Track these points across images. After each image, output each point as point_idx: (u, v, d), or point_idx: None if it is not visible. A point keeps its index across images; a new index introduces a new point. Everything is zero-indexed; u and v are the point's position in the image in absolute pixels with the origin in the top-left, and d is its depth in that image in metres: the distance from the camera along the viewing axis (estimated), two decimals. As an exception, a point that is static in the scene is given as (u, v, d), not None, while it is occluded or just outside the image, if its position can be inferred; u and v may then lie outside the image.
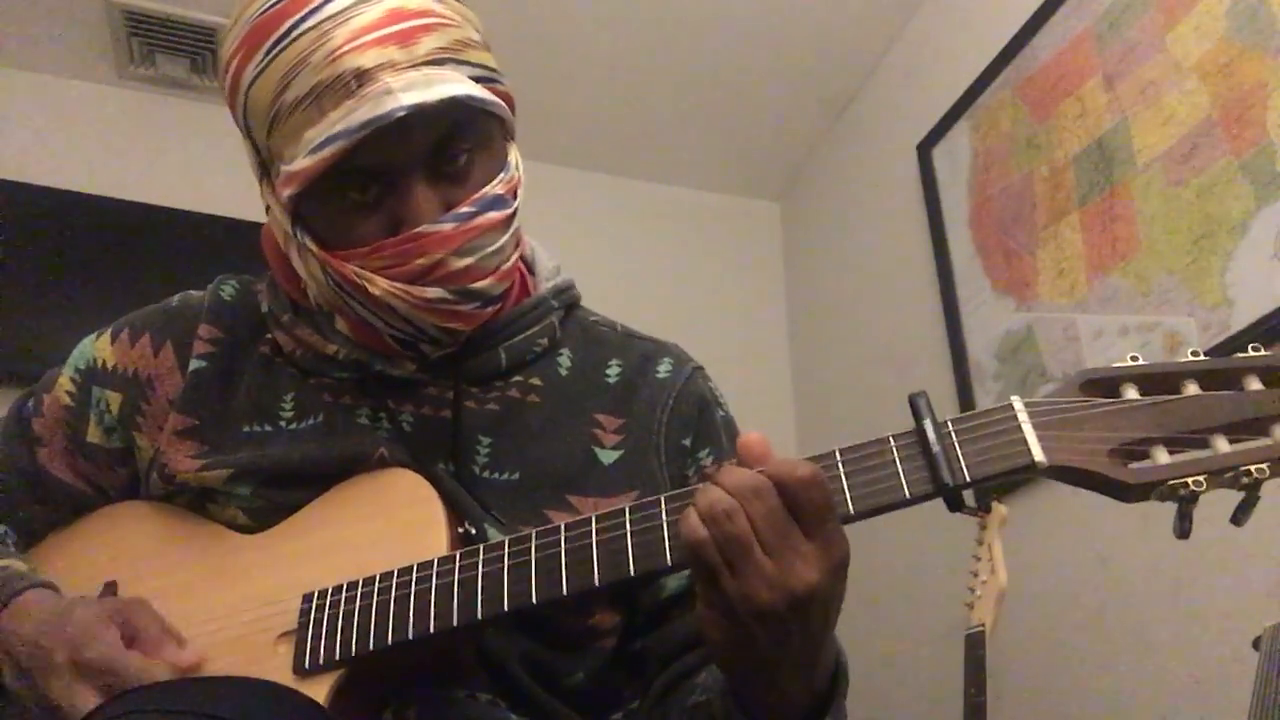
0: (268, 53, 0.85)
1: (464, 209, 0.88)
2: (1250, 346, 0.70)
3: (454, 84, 0.85)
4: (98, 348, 1.03)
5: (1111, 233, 1.91)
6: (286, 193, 0.87)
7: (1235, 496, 0.68)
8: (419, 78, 0.83)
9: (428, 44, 0.85)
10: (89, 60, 2.64)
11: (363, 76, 0.82)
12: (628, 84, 2.84)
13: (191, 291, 1.07)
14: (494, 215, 0.89)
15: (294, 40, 0.84)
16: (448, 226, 0.87)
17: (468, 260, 0.88)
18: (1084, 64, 2.03)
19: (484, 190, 0.89)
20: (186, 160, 2.66)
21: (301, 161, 0.84)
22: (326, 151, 0.83)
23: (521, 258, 1.04)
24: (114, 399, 1.00)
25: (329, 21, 0.83)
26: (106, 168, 2.59)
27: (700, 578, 0.69)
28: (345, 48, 0.82)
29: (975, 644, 1.62)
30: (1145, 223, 1.83)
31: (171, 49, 2.62)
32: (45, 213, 2.48)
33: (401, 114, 0.82)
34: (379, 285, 0.87)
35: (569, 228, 2.91)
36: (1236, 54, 1.70)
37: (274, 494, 0.92)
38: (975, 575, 1.70)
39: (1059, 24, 2.12)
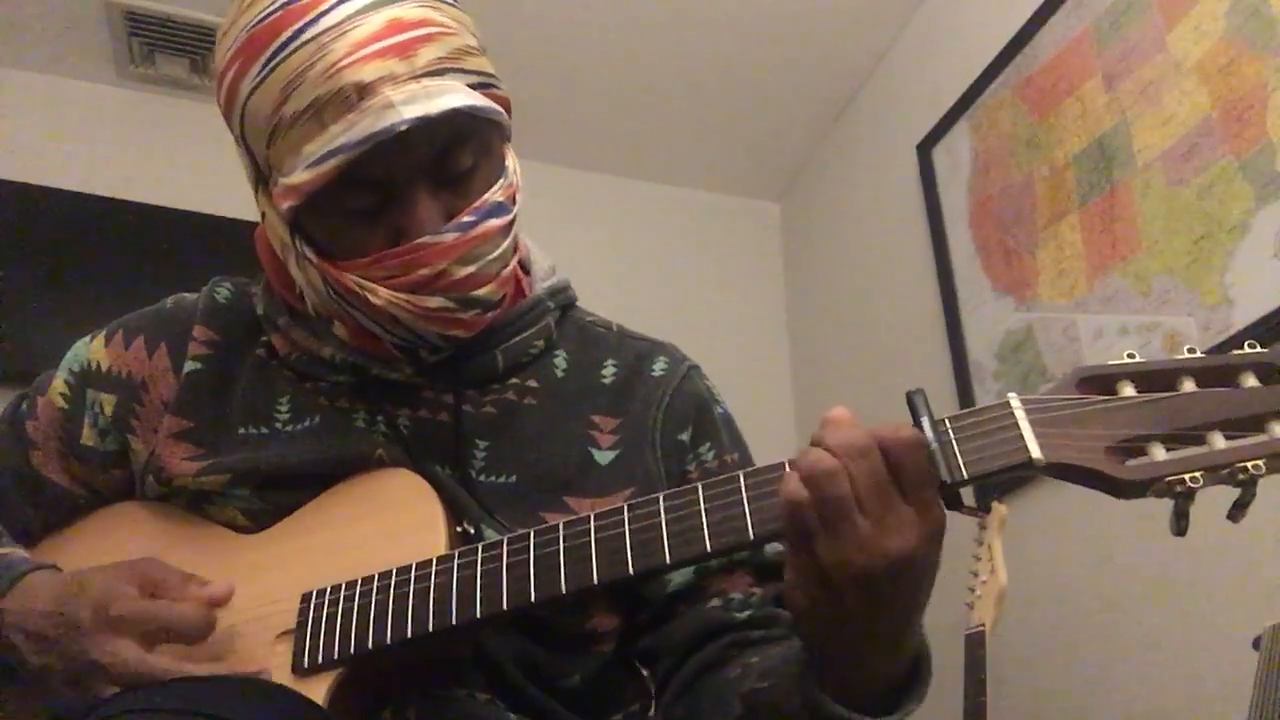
0: (265, 64, 0.84)
1: (466, 218, 0.88)
2: (1246, 343, 0.70)
3: (455, 95, 0.84)
4: (92, 350, 1.02)
5: (1111, 233, 1.91)
6: (286, 204, 0.86)
7: (1233, 495, 0.68)
8: (419, 90, 0.83)
9: (427, 55, 0.84)
10: (89, 60, 2.64)
11: (363, 90, 0.82)
12: (628, 84, 2.84)
13: (185, 294, 1.06)
14: (495, 223, 0.89)
15: (293, 52, 0.83)
16: (450, 237, 0.87)
17: (470, 268, 0.88)
18: (1084, 64, 2.03)
19: (485, 197, 0.89)
20: (186, 160, 2.65)
21: (301, 175, 0.84)
22: (327, 165, 0.83)
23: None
24: (108, 401, 0.99)
25: (327, 34, 0.82)
26: (106, 168, 2.59)
27: (792, 541, 0.68)
28: (345, 61, 0.82)
29: (975, 644, 1.62)
30: (1145, 223, 1.83)
31: (171, 49, 2.62)
32: (45, 213, 2.47)
33: (403, 128, 0.82)
34: (381, 295, 0.87)
35: (569, 228, 2.91)
36: (1236, 54, 1.70)
37: (272, 496, 0.92)
38: (975, 575, 1.70)
39: (1059, 24, 2.12)
